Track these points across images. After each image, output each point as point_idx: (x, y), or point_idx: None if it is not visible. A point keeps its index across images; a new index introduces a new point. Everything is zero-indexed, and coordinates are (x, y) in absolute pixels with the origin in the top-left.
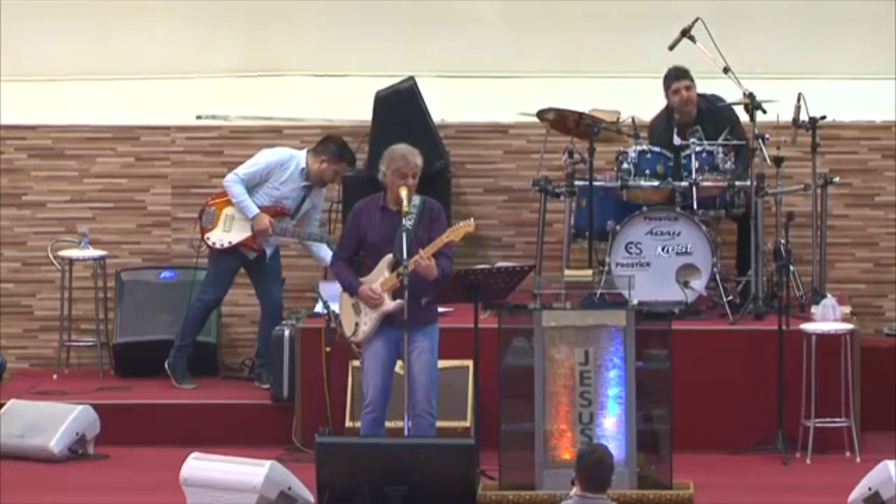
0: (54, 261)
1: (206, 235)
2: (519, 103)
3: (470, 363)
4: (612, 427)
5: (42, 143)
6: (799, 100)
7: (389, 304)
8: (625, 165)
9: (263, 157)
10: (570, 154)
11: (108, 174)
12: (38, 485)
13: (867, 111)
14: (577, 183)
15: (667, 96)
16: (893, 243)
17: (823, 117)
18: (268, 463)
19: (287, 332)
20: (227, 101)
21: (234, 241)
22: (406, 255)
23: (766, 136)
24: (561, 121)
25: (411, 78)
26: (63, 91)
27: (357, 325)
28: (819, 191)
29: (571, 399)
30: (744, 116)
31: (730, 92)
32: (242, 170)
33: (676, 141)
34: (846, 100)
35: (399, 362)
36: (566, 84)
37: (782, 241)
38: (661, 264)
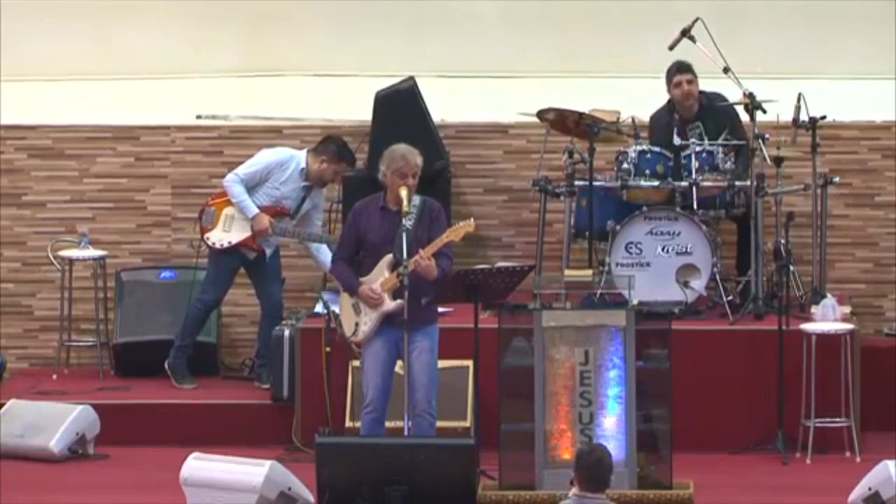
0: (54, 261)
1: (206, 235)
2: (519, 103)
3: (470, 363)
4: (612, 427)
5: (42, 143)
6: (799, 100)
7: (389, 304)
8: (625, 165)
9: (263, 157)
10: (570, 154)
11: (108, 174)
12: (38, 485)
13: (867, 111)
14: (577, 183)
15: (669, 90)
16: (893, 243)
17: (823, 117)
18: (268, 463)
19: (287, 332)
20: (227, 101)
21: (234, 241)
22: (406, 255)
23: (766, 136)
24: (561, 121)
25: (411, 78)
26: (63, 91)
27: (357, 325)
28: (819, 191)
29: (571, 399)
30: (744, 116)
31: (730, 92)
32: (242, 170)
33: (676, 141)
34: (846, 100)
35: (399, 362)
36: (566, 84)
37: (782, 241)
38: (661, 264)
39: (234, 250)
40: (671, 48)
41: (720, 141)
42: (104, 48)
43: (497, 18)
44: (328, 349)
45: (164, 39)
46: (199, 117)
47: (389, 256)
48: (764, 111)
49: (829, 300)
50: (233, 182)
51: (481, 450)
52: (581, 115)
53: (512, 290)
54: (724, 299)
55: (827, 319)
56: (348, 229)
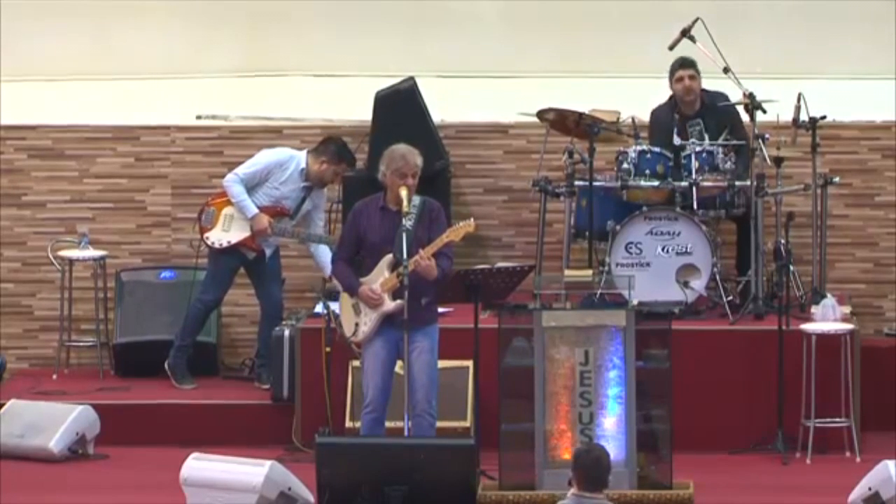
0: (54, 261)
1: (206, 235)
2: (519, 103)
3: (470, 363)
4: (612, 427)
5: (42, 143)
6: (799, 100)
7: (389, 305)
8: (625, 165)
9: (263, 158)
10: (570, 154)
11: (108, 174)
12: (38, 485)
13: (867, 111)
14: (577, 183)
15: (671, 85)
16: (893, 243)
17: (823, 117)
18: (268, 463)
19: (287, 332)
20: (227, 101)
21: (233, 241)
22: (406, 256)
23: (766, 136)
24: (561, 121)
25: (411, 78)
26: (63, 91)
27: (357, 325)
28: (819, 191)
29: (571, 399)
30: (744, 116)
31: (730, 92)
32: (242, 170)
33: (677, 141)
34: (846, 100)
35: (399, 362)
36: (566, 84)
37: (782, 241)
38: (661, 264)
39: (233, 250)
40: (671, 48)
41: (720, 141)
42: (104, 48)
43: (497, 18)
44: (328, 349)
45: (164, 39)
46: (199, 117)
47: (389, 256)
48: (764, 111)
49: (829, 300)
50: (232, 182)
51: (481, 450)
52: (581, 115)
53: (512, 291)
54: (724, 299)
55: (827, 319)
56: (348, 229)
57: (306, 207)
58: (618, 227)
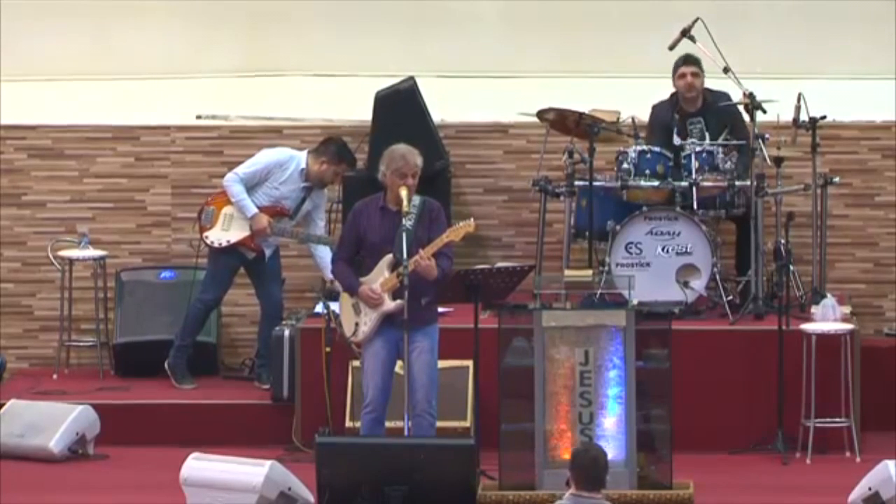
0: (54, 261)
1: (205, 234)
2: (519, 103)
3: (470, 363)
4: (612, 427)
5: (42, 143)
6: (799, 100)
7: (389, 305)
8: (625, 165)
9: (263, 157)
10: (570, 154)
11: (108, 174)
12: (38, 485)
13: (867, 111)
14: (577, 183)
15: (674, 82)
16: (893, 243)
17: (823, 117)
18: (268, 463)
19: (287, 332)
20: (227, 101)
21: (233, 240)
22: (406, 255)
23: (766, 136)
24: (561, 121)
25: (411, 78)
26: (63, 91)
27: (357, 325)
28: (819, 191)
29: (571, 399)
30: (744, 116)
31: (731, 92)
32: (242, 169)
33: (676, 141)
34: (846, 100)
35: (399, 362)
36: (566, 84)
37: (782, 241)
38: (661, 264)
39: (232, 249)
40: (671, 48)
41: (720, 141)
42: (104, 48)
43: (497, 18)
44: (328, 349)
45: (164, 39)
46: (199, 117)
47: (389, 256)
48: (764, 111)
49: (829, 300)
50: (232, 181)
51: (481, 450)
52: (581, 115)
53: (512, 290)
54: (724, 299)
55: (827, 319)
56: (348, 229)
57: (306, 208)
58: (618, 227)
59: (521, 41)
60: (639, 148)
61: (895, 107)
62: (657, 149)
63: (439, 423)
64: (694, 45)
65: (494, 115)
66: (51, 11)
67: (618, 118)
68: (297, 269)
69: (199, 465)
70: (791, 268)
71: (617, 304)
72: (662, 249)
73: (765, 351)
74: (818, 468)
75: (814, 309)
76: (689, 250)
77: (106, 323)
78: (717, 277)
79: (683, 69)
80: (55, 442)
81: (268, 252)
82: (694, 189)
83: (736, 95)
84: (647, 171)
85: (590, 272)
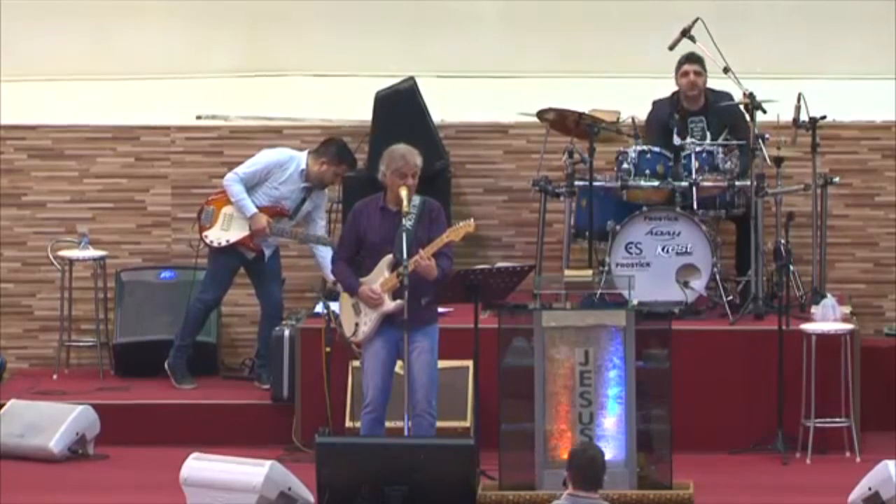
0: (54, 261)
1: (205, 234)
2: (519, 103)
3: (470, 363)
4: (612, 427)
5: (42, 143)
6: (799, 100)
7: (389, 305)
8: (625, 165)
9: (263, 157)
10: (570, 154)
11: (108, 174)
12: (38, 485)
13: (867, 111)
14: (577, 183)
15: (676, 80)
16: (893, 243)
17: (823, 117)
18: (268, 463)
19: (287, 332)
20: (227, 101)
21: (232, 240)
22: (406, 255)
23: (766, 136)
24: (561, 121)
25: (411, 78)
26: (63, 91)
27: (357, 325)
28: (819, 191)
29: (571, 399)
30: (746, 117)
31: (732, 92)
32: (242, 169)
33: (676, 141)
34: (846, 100)
35: (399, 362)
36: (566, 84)
37: (782, 241)
38: (661, 264)
39: (232, 249)
40: (671, 48)
41: (720, 141)
42: (104, 48)
43: (497, 18)
44: (328, 349)
45: (164, 39)
46: (199, 117)
47: (389, 256)
48: (764, 111)
49: (829, 300)
50: (232, 181)
51: (481, 450)
52: (581, 115)
53: (512, 291)
54: (724, 299)
55: (827, 319)
56: (348, 229)
57: (306, 208)
58: (618, 227)
59: (521, 41)
60: (639, 148)
61: (895, 107)
62: (657, 149)
63: (439, 423)
64: (694, 45)
65: (494, 115)
66: (51, 11)
67: (618, 118)
68: (297, 269)
69: (199, 465)
70: (791, 268)
71: (617, 304)
72: (662, 249)
73: (765, 351)
74: (818, 468)
75: (814, 309)
76: (689, 250)
77: (106, 323)
78: (717, 277)
79: (687, 67)
80: (55, 442)
81: (268, 252)
82: (694, 189)
83: (736, 95)
84: (647, 171)
85: (590, 272)
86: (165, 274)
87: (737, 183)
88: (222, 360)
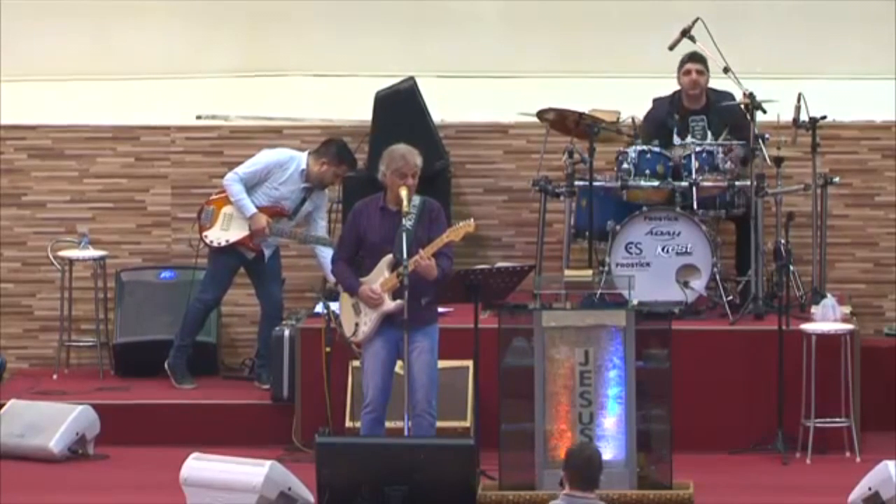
0: (54, 261)
1: (204, 234)
2: (519, 103)
3: (470, 363)
4: (612, 427)
5: (42, 143)
6: (799, 100)
7: (389, 305)
8: (625, 165)
9: (263, 158)
10: (570, 154)
11: (108, 174)
12: (38, 485)
13: (867, 111)
14: (577, 183)
15: (678, 79)
16: (893, 243)
17: (823, 117)
18: (268, 463)
19: (287, 332)
20: (227, 101)
21: (232, 240)
22: (406, 255)
23: (766, 136)
24: (561, 121)
25: (411, 78)
26: (63, 91)
27: (357, 325)
28: (819, 191)
29: (571, 399)
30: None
31: (733, 92)
32: (242, 169)
33: (676, 141)
34: (846, 100)
35: (399, 362)
36: (566, 84)
37: (782, 241)
38: (661, 264)
39: (232, 249)
40: (671, 48)
41: (720, 141)
42: (104, 48)
43: (497, 18)
44: (328, 349)
45: (164, 39)
46: (199, 117)
47: (389, 256)
48: (764, 111)
49: (829, 300)
50: (232, 181)
51: (481, 450)
52: (581, 115)
53: (512, 291)
54: (724, 299)
55: (827, 319)
56: (348, 229)
57: (306, 208)
58: (618, 227)
59: (521, 41)
60: (639, 148)
61: (895, 107)
62: (657, 149)
63: (439, 423)
64: (694, 45)
65: (494, 115)
66: (51, 11)
67: (618, 118)
68: (297, 269)
69: (199, 465)
70: (791, 268)
71: (617, 304)
72: (662, 249)
73: (765, 351)
74: (818, 468)
75: (814, 309)
76: (689, 250)
77: (106, 323)
78: (717, 277)
79: (689, 66)
80: (55, 442)
81: (267, 252)
82: (694, 189)
83: (736, 95)
84: (647, 171)
85: (590, 272)
86: (165, 274)
87: (737, 183)
88: (222, 360)
